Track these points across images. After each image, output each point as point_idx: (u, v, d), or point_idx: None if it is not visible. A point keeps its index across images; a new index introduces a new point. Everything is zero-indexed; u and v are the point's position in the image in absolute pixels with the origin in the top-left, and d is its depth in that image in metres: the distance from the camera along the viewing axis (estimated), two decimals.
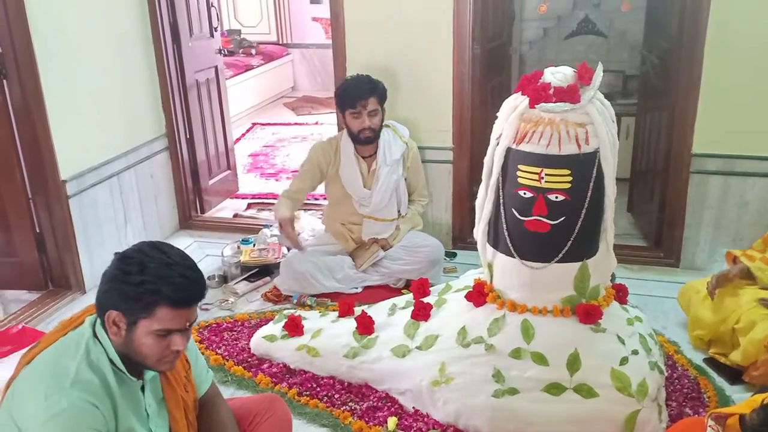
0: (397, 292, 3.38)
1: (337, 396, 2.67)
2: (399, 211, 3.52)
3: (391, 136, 3.47)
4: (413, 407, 2.57)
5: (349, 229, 3.55)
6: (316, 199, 4.49)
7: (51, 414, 1.53)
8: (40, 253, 3.49)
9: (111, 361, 1.65)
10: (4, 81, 3.19)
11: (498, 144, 2.39)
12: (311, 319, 2.97)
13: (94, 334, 1.67)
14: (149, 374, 1.75)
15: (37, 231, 3.46)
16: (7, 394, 1.68)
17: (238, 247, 3.88)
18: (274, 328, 2.96)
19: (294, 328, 2.88)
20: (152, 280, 1.60)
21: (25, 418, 1.57)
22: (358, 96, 3.30)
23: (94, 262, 3.61)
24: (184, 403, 1.83)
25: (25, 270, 3.51)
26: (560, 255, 2.37)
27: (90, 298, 3.40)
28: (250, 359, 2.93)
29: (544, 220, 2.33)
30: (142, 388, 1.75)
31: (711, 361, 2.84)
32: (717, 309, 2.81)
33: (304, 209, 4.29)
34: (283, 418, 2.12)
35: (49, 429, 1.53)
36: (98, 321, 1.68)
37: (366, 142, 3.37)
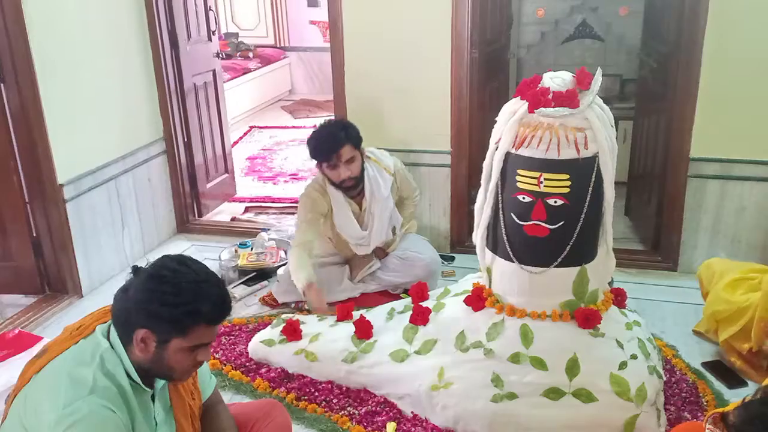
0: (396, 296, 3.37)
1: (335, 401, 2.67)
2: (394, 230, 3.44)
3: (375, 170, 3.27)
4: (412, 412, 2.57)
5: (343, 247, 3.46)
6: None
7: (72, 421, 1.52)
8: (37, 258, 3.48)
9: (126, 372, 1.65)
10: (2, 85, 3.18)
11: (497, 148, 2.39)
12: (309, 324, 2.96)
13: (110, 346, 1.66)
14: (159, 383, 1.74)
15: (34, 235, 3.45)
16: (15, 402, 1.67)
17: (236, 251, 3.88)
18: (272, 332, 2.95)
19: (292, 332, 2.87)
20: (190, 301, 1.59)
21: (41, 426, 1.55)
22: (330, 149, 3.09)
23: (91, 266, 3.60)
24: (191, 411, 1.84)
25: (21, 274, 3.50)
26: (559, 259, 2.37)
27: (87, 303, 3.45)
28: (248, 364, 2.92)
29: (543, 224, 2.33)
30: (152, 397, 1.74)
31: (710, 365, 2.84)
32: (742, 290, 2.78)
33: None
34: (282, 424, 2.12)
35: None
36: (112, 331, 1.67)
37: (350, 190, 3.21)
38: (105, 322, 1.71)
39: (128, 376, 1.65)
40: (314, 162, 3.25)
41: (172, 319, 1.59)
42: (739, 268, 2.91)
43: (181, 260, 1.68)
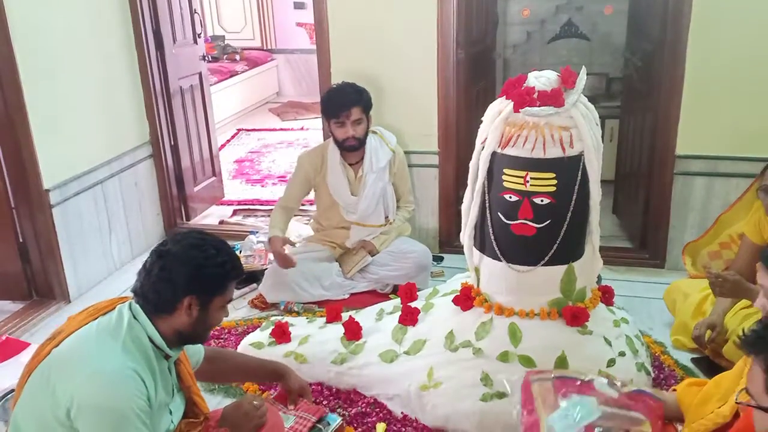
0: (385, 297, 3.37)
1: (325, 402, 2.66)
2: (387, 217, 3.52)
3: (377, 143, 3.48)
4: (402, 412, 2.57)
5: (336, 236, 3.55)
6: (303, 204, 4.47)
7: (98, 371, 1.63)
8: (24, 263, 3.46)
9: (150, 340, 1.75)
10: None
11: (483, 148, 2.39)
12: (298, 326, 2.95)
13: (133, 317, 1.76)
14: (176, 355, 1.85)
15: (21, 241, 3.43)
16: (31, 380, 1.71)
17: None
18: (262, 335, 2.94)
19: (281, 335, 2.87)
20: (229, 259, 1.79)
21: (71, 381, 1.63)
22: (341, 106, 3.30)
23: (79, 271, 3.58)
24: (191, 378, 1.96)
25: (8, 280, 3.48)
26: (546, 258, 2.38)
27: (75, 308, 3.37)
28: None
29: (530, 223, 2.34)
30: (169, 370, 1.84)
31: (698, 361, 2.85)
32: (700, 316, 2.83)
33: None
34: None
35: (103, 387, 1.62)
36: (134, 306, 1.77)
37: (350, 150, 3.39)
38: (123, 303, 1.81)
39: (153, 343, 1.75)
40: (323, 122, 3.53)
41: (222, 275, 1.78)
42: (699, 287, 2.93)
43: (197, 232, 1.86)
